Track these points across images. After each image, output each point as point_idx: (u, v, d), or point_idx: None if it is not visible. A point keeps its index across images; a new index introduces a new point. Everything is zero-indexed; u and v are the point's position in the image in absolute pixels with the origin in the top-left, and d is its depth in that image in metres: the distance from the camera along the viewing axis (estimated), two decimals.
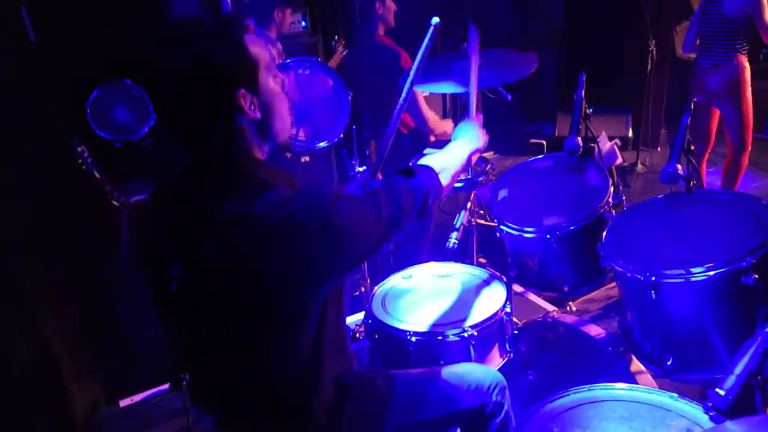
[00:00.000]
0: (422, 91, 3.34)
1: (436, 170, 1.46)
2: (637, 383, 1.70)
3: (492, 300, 1.97)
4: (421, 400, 1.48)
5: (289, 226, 1.11)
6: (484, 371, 1.59)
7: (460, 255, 2.21)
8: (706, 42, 3.70)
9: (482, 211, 3.26)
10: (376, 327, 1.93)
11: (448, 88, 2.32)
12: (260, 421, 1.31)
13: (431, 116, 3.39)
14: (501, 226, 2.09)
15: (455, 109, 4.79)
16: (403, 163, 1.55)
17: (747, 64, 3.61)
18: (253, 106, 1.18)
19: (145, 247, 1.28)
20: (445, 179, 1.47)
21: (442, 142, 2.51)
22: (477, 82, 1.90)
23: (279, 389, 1.27)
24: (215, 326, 1.21)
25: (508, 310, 1.95)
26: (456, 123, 5.08)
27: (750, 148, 3.83)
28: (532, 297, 3.12)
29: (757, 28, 3.44)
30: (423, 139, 3.63)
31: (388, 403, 1.44)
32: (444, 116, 4.75)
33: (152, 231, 1.27)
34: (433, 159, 1.52)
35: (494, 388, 1.53)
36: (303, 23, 4.61)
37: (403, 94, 1.67)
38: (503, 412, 1.54)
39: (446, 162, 1.52)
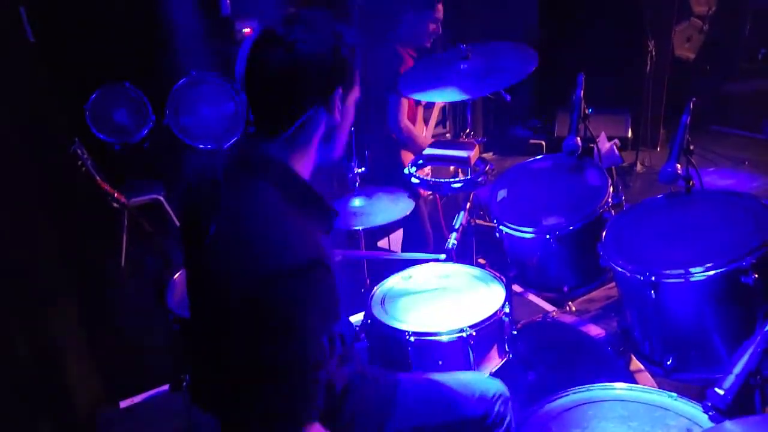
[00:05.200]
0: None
1: None
2: (636, 383, 1.69)
3: (491, 300, 1.97)
4: (424, 404, 1.48)
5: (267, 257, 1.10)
6: (489, 381, 1.59)
7: (460, 256, 2.22)
8: None
9: (481, 212, 3.26)
10: (375, 327, 1.94)
11: (449, 95, 2.25)
12: (261, 411, 1.31)
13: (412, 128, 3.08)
14: (500, 227, 2.09)
15: (454, 116, 4.55)
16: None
17: None
18: (338, 111, 1.23)
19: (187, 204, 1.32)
20: None
21: (439, 143, 2.49)
22: None
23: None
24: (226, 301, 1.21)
25: (507, 310, 1.95)
26: (455, 132, 4.79)
27: None
28: (532, 297, 3.12)
29: None
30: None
31: (391, 404, 1.44)
32: (443, 125, 4.51)
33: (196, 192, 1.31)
34: None
35: (498, 399, 1.53)
36: None
37: None
38: (505, 423, 1.53)
39: None
